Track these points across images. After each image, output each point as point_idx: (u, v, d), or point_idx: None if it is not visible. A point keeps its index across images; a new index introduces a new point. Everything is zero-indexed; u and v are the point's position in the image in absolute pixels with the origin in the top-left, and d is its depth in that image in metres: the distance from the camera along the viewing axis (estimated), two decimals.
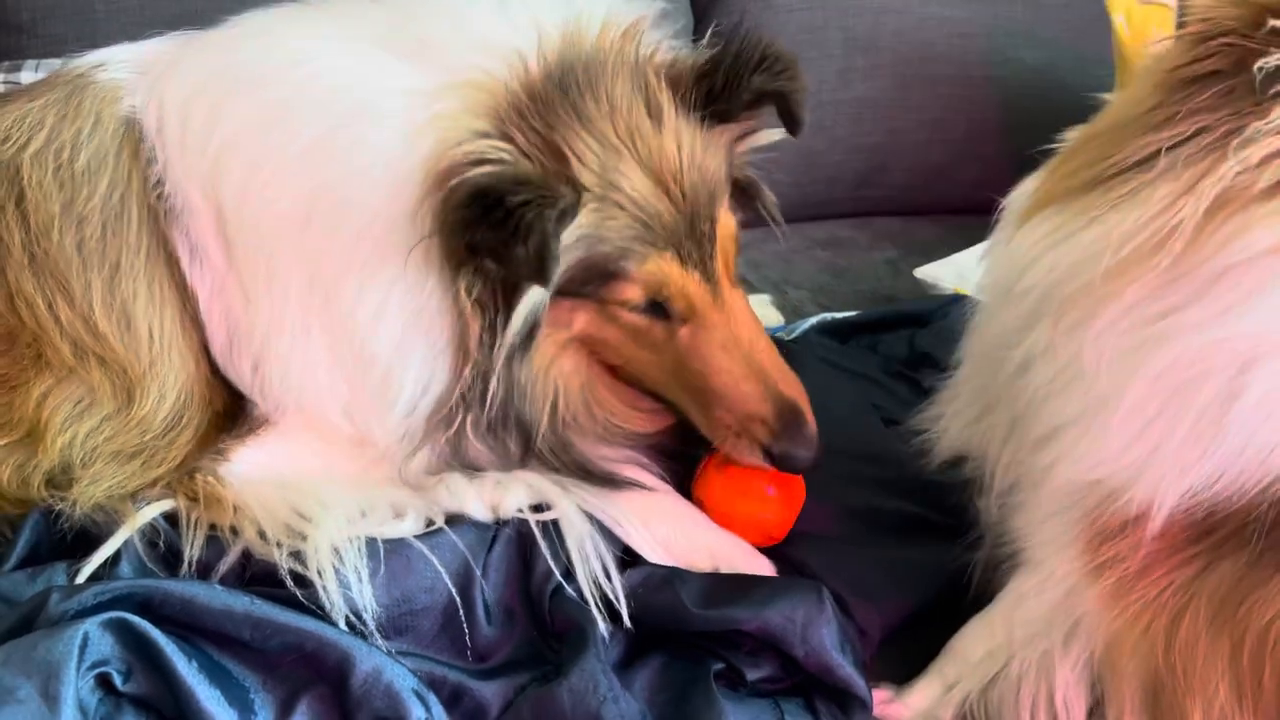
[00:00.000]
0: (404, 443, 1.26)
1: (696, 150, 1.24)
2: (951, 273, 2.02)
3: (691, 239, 1.23)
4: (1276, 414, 0.98)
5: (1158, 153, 1.00)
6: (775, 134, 1.32)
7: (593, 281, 1.21)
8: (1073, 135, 1.17)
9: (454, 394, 1.23)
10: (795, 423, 1.25)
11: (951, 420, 1.29)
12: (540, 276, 1.14)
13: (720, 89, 1.24)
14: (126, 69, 1.33)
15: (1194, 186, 0.97)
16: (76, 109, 1.30)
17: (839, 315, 1.93)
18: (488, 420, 1.24)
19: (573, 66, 1.20)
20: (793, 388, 1.26)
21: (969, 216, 2.26)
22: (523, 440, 1.26)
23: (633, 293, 1.22)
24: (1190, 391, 0.99)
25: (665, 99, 1.23)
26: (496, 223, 1.12)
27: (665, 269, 1.22)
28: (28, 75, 1.98)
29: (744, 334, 1.26)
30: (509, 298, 1.20)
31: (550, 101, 1.19)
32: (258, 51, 1.31)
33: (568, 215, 1.14)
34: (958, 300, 1.88)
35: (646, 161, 1.21)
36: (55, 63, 1.94)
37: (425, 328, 1.21)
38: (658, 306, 1.24)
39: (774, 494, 1.30)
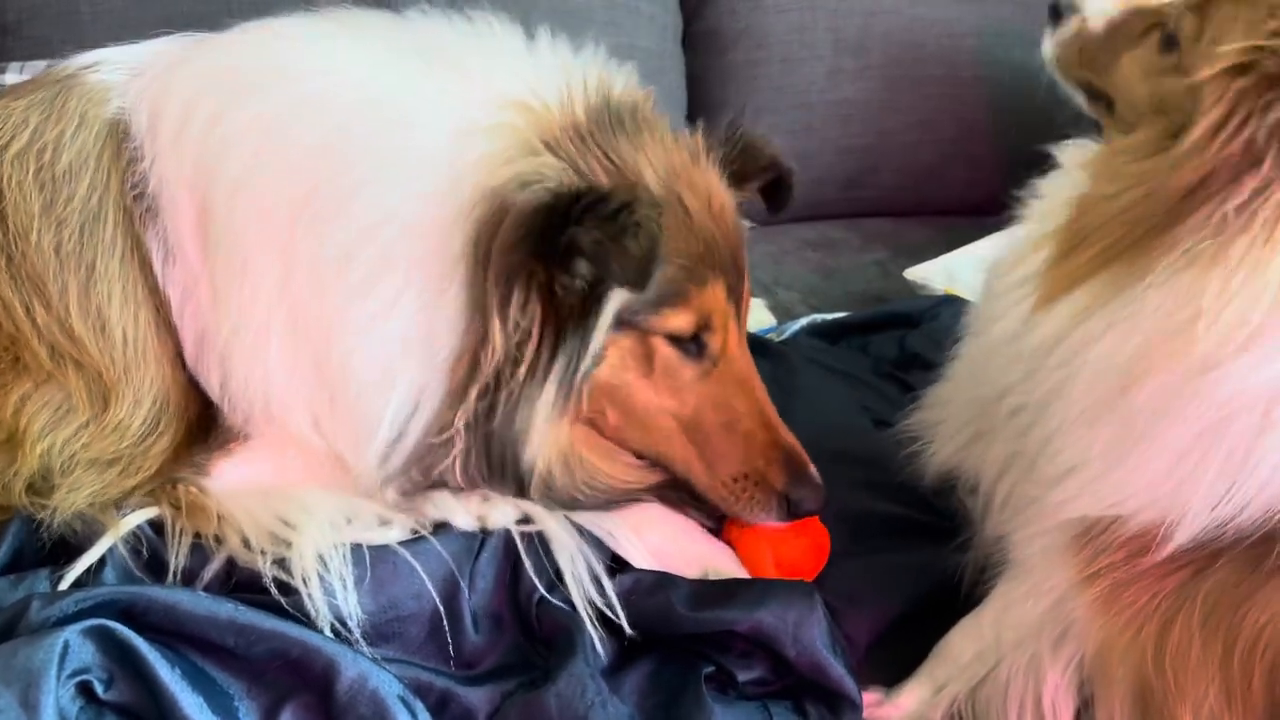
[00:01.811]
0: (382, 469, 1.21)
1: (728, 195, 1.27)
2: (941, 273, 2.03)
3: (734, 272, 1.24)
4: None
5: (1193, 208, 1.00)
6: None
7: (648, 305, 1.19)
8: (1055, 202, 1.17)
9: (455, 420, 1.19)
10: (803, 468, 1.25)
11: (941, 444, 1.29)
12: (644, 278, 1.12)
13: (738, 153, 1.30)
14: (120, 70, 1.31)
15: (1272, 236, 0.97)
16: (61, 110, 1.28)
17: (829, 317, 1.93)
18: (485, 457, 1.21)
19: (617, 105, 1.22)
20: (791, 435, 1.26)
21: (959, 217, 2.28)
22: (515, 485, 1.24)
23: (684, 321, 1.21)
24: (1223, 428, 1.00)
25: (700, 145, 1.27)
26: (604, 218, 1.10)
27: (719, 296, 1.22)
28: (12, 77, 1.98)
29: (757, 381, 1.27)
30: (558, 317, 1.17)
31: (604, 128, 1.19)
32: (282, 54, 1.29)
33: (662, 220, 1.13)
34: (948, 301, 1.88)
35: (699, 190, 1.22)
36: (40, 64, 1.94)
37: (427, 343, 1.17)
38: (693, 343, 1.22)
39: (803, 541, 1.29)
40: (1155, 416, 1.02)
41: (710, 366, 1.24)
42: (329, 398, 1.22)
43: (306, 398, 1.23)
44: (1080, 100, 1.27)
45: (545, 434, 1.20)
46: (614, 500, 1.27)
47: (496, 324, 1.16)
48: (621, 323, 1.19)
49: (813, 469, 1.25)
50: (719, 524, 1.31)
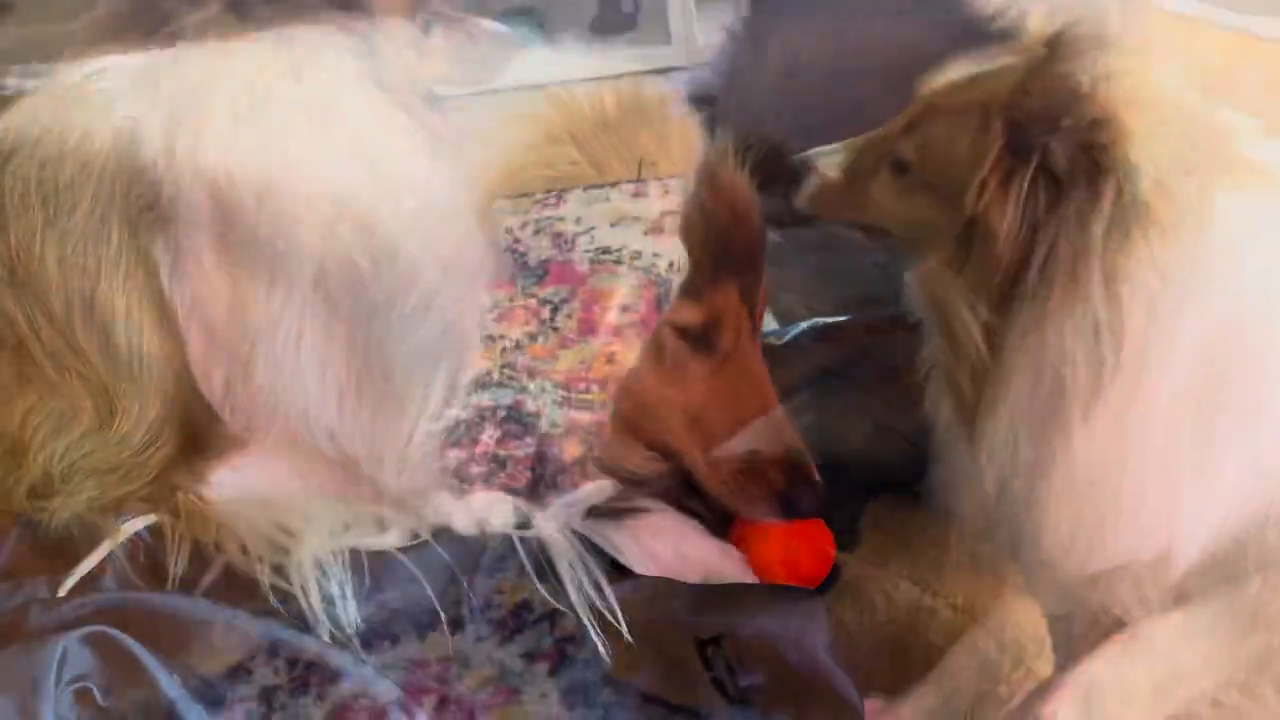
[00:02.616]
0: (406, 464, 1.22)
1: (753, 198, 1.29)
2: None
3: (751, 274, 1.25)
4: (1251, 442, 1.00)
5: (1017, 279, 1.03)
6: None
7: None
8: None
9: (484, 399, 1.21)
10: (805, 469, 1.26)
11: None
12: None
13: (763, 158, 1.31)
14: (126, 77, 1.28)
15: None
16: (66, 120, 1.25)
17: (830, 320, 1.93)
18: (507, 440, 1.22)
19: (647, 100, 1.25)
20: (796, 436, 1.28)
21: None
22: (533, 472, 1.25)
23: (694, 314, 1.22)
24: (1171, 446, 1.00)
25: (728, 147, 1.28)
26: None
27: (732, 295, 1.23)
28: (11, 80, 1.97)
29: (765, 382, 1.28)
30: None
31: (631, 122, 1.22)
32: (307, 59, 1.26)
33: None
34: None
35: (723, 189, 1.24)
36: (39, 68, 1.93)
37: (465, 327, 1.20)
38: (703, 338, 1.24)
39: (808, 544, 1.31)
40: (1106, 472, 1.03)
41: (719, 363, 1.25)
42: (362, 397, 1.22)
43: (336, 399, 1.23)
44: (855, 235, 1.32)
45: (562, 413, 1.22)
46: (632, 484, 1.28)
47: (521, 298, 1.18)
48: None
49: (814, 471, 1.26)
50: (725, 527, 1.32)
